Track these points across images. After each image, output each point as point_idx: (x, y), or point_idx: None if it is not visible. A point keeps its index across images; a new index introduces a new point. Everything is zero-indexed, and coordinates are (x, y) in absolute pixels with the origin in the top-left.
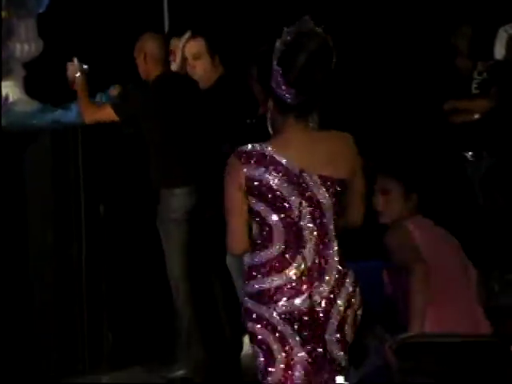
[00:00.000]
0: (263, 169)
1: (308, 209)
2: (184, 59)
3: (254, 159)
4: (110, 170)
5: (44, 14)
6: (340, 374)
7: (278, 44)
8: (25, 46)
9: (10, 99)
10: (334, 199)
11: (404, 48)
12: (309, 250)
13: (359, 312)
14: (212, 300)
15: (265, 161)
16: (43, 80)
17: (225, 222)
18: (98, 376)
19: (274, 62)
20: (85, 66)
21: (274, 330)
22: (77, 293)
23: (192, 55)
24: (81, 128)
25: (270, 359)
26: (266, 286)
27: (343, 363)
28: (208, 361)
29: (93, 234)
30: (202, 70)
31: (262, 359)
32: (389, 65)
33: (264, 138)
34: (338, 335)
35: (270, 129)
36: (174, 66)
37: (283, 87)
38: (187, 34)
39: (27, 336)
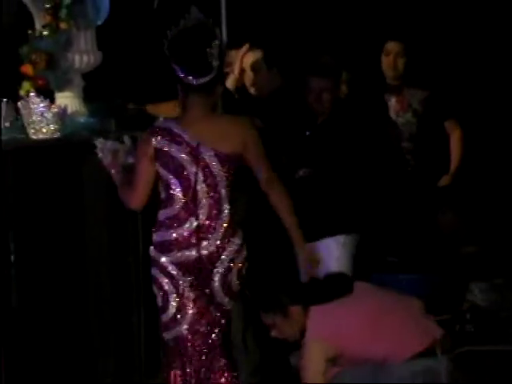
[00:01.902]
0: (168, 141)
1: (203, 177)
2: (242, 71)
3: (162, 133)
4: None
5: (103, 25)
6: (225, 315)
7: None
8: (84, 57)
9: (69, 110)
10: (225, 170)
11: None
12: (202, 212)
13: (243, 266)
14: None
15: (170, 135)
16: (103, 91)
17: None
18: None
19: (167, 52)
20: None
21: (169, 275)
22: (134, 301)
23: (250, 67)
24: (140, 137)
25: (166, 299)
26: (165, 238)
27: (228, 307)
28: (264, 364)
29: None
30: (260, 81)
31: (160, 299)
32: None
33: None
34: (223, 282)
35: (180, 109)
36: (231, 78)
37: (178, 71)
38: (245, 46)
39: (84, 344)
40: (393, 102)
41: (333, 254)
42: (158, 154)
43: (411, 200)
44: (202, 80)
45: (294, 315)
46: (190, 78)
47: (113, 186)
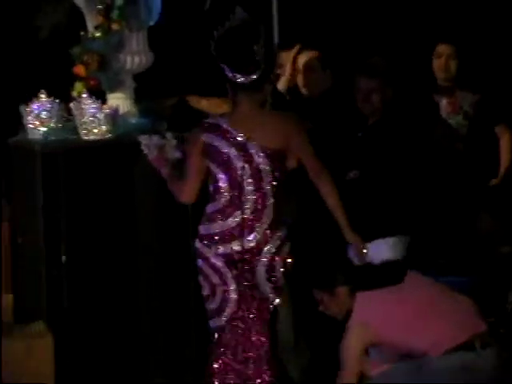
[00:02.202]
0: (217, 137)
1: (249, 172)
2: (294, 71)
3: (211, 129)
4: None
5: (155, 26)
6: (270, 309)
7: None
8: (136, 58)
9: (121, 111)
10: (271, 166)
11: None
12: (247, 206)
13: (288, 260)
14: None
15: (218, 131)
16: (154, 92)
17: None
18: None
19: (214, 52)
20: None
21: (213, 266)
22: (186, 302)
23: (305, 66)
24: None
25: (211, 290)
26: (210, 230)
27: (273, 300)
28: (313, 364)
29: None
30: (314, 81)
31: (205, 290)
32: None
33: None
34: (267, 276)
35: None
36: (283, 80)
37: (225, 69)
38: (296, 48)
39: (135, 344)
40: (444, 103)
41: (382, 256)
42: (207, 149)
43: (457, 201)
44: (249, 78)
45: (339, 295)
46: (237, 76)
47: (164, 186)
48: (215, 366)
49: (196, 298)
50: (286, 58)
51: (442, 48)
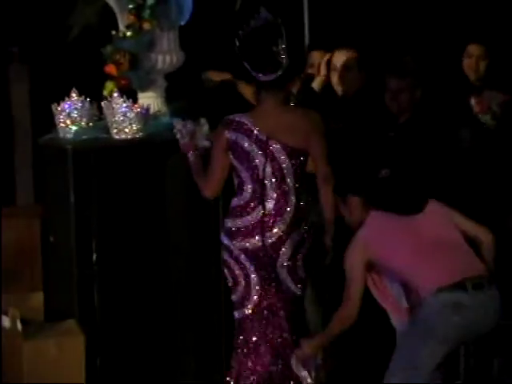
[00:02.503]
0: (239, 134)
1: (271, 169)
2: (328, 70)
3: (234, 126)
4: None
5: (186, 26)
6: (293, 300)
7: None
8: (167, 57)
9: (151, 110)
10: (293, 162)
11: None
12: (269, 202)
13: (308, 253)
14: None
15: (241, 128)
16: (184, 91)
17: None
18: None
19: (238, 51)
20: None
21: (237, 259)
22: (215, 303)
23: (344, 66)
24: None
25: (234, 282)
26: (234, 225)
27: (297, 292)
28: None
29: None
30: (351, 81)
31: (230, 282)
32: None
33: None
34: (288, 270)
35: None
36: (318, 79)
37: (248, 68)
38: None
39: (166, 345)
40: (472, 102)
41: None
42: (231, 146)
43: (486, 201)
44: (271, 77)
45: (351, 204)
46: (260, 75)
47: (193, 185)
48: (234, 364)
49: (226, 297)
50: (319, 57)
51: (473, 48)
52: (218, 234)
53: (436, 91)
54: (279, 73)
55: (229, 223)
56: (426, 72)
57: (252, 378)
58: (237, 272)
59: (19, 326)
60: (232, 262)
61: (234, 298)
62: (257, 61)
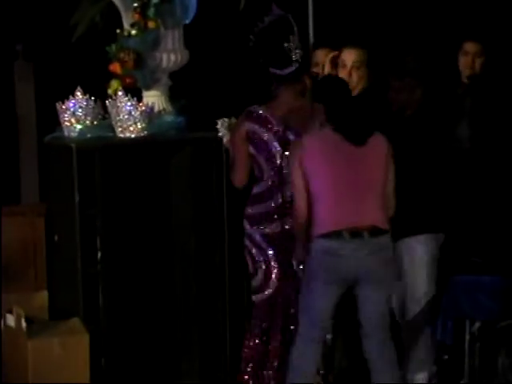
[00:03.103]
0: (258, 125)
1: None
2: (332, 69)
3: (253, 117)
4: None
5: (190, 24)
6: None
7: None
8: (171, 55)
9: (156, 109)
10: None
11: None
12: (287, 189)
13: None
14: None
15: (260, 119)
16: (188, 90)
17: None
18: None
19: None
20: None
21: (257, 245)
22: (220, 302)
23: (352, 63)
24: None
25: (255, 267)
26: (254, 211)
27: None
28: (349, 368)
29: (235, 241)
30: (357, 79)
31: (250, 267)
32: None
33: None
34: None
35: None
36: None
37: (265, 64)
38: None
39: (170, 344)
40: (467, 100)
41: (414, 253)
42: (250, 136)
43: (495, 199)
44: (285, 71)
45: (315, 109)
46: (275, 70)
47: (198, 184)
48: (246, 350)
49: (231, 297)
50: (323, 56)
51: (469, 46)
52: (223, 231)
53: (432, 88)
54: (293, 67)
55: (250, 210)
56: (425, 72)
57: (264, 361)
58: (257, 258)
59: (24, 324)
60: (252, 248)
61: (253, 282)
62: (271, 57)
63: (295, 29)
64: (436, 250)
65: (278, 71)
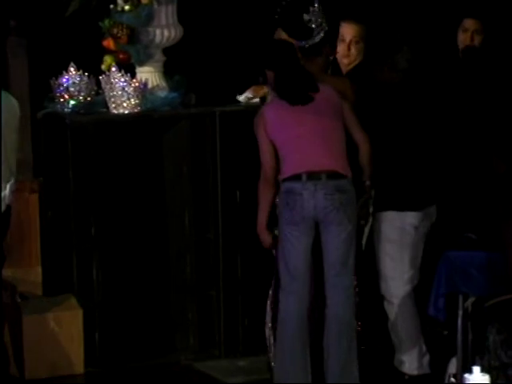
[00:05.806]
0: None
1: None
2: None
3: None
4: (247, 155)
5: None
6: None
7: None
8: (165, 31)
9: (150, 85)
10: None
11: None
12: None
13: None
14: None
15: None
16: (183, 66)
17: None
18: (233, 361)
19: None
20: None
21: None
22: (214, 278)
23: (352, 38)
24: (219, 113)
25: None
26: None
27: None
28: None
29: (230, 219)
30: (356, 54)
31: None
32: None
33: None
34: None
35: None
36: None
37: (288, 35)
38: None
39: (165, 320)
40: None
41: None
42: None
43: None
44: (306, 43)
45: (269, 78)
46: (298, 42)
47: (193, 160)
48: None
49: (225, 271)
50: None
51: (469, 23)
52: (217, 205)
53: (429, 63)
54: (315, 39)
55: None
56: (419, 66)
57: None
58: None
59: (18, 300)
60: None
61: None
62: (292, 28)
63: (316, 1)
64: (409, 226)
65: (298, 43)
